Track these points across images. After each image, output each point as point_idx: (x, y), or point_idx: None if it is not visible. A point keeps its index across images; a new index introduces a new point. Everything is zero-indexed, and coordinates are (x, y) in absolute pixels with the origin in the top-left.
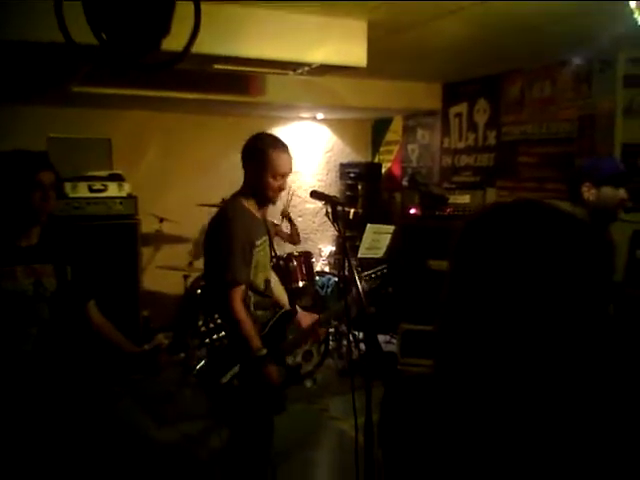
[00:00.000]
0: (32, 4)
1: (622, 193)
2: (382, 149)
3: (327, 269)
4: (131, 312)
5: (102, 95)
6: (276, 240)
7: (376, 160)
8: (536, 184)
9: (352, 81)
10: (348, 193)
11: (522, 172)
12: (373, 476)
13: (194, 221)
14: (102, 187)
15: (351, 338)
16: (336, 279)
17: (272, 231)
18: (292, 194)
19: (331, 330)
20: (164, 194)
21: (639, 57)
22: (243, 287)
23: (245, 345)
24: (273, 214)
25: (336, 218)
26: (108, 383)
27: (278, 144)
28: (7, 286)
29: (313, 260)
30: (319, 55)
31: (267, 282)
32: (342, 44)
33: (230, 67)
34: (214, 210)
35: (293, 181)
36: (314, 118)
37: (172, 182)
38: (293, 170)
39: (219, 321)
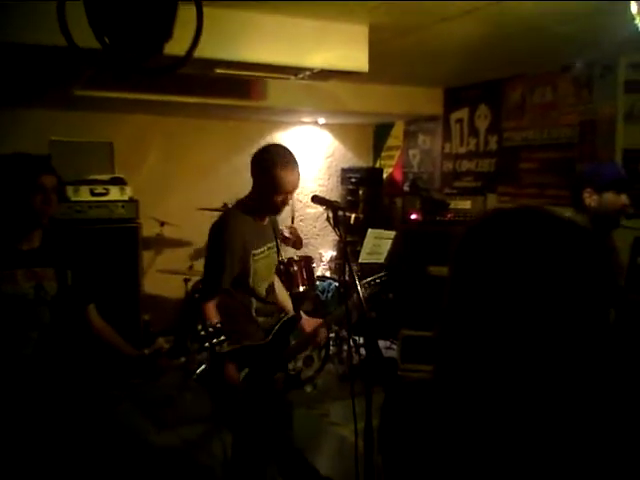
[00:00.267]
0: (35, 7)
1: (624, 199)
2: (383, 154)
3: (328, 274)
4: (132, 316)
5: (104, 99)
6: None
7: (377, 165)
8: (537, 190)
9: (353, 86)
10: (349, 198)
11: (523, 178)
12: None
13: (195, 225)
14: (104, 191)
15: (352, 343)
16: (337, 284)
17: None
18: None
19: (332, 335)
20: (165, 198)
21: None
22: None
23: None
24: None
25: (337, 223)
26: (108, 387)
27: (286, 162)
28: (7, 290)
29: (314, 265)
30: (320, 60)
31: (270, 288)
32: (343, 49)
33: (232, 71)
34: (215, 214)
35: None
36: (315, 123)
37: (173, 186)
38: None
39: (218, 325)
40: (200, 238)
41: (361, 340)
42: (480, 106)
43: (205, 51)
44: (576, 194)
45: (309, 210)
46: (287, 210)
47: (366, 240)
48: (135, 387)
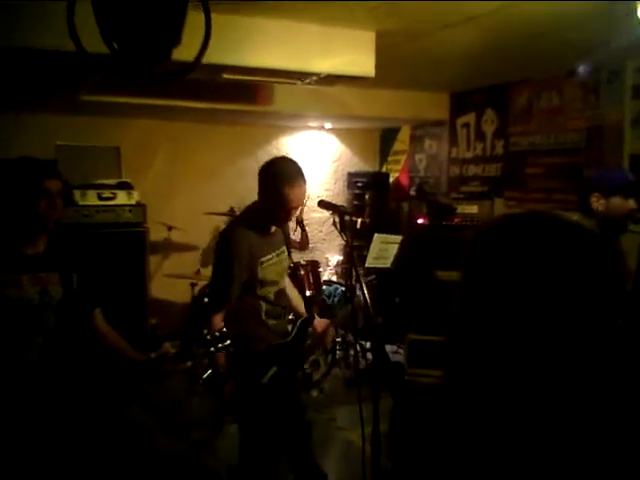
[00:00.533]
0: (42, 11)
1: (631, 203)
2: (390, 159)
3: (334, 278)
4: (139, 320)
5: (111, 104)
6: None
7: (384, 170)
8: (544, 195)
9: (360, 91)
10: (355, 202)
11: (530, 182)
12: None
13: (202, 229)
14: (111, 195)
15: (358, 348)
16: (343, 288)
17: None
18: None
19: (338, 340)
20: (172, 202)
21: None
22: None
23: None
24: None
25: (343, 227)
26: (116, 391)
27: (294, 178)
28: (12, 294)
29: (320, 269)
30: (327, 65)
31: (280, 292)
32: (350, 54)
33: (239, 77)
34: (221, 219)
35: None
36: (322, 127)
37: (180, 190)
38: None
39: (224, 329)
40: (207, 242)
41: (368, 345)
42: (487, 111)
43: (212, 56)
44: (584, 199)
45: (315, 215)
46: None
47: (373, 245)
48: (143, 391)
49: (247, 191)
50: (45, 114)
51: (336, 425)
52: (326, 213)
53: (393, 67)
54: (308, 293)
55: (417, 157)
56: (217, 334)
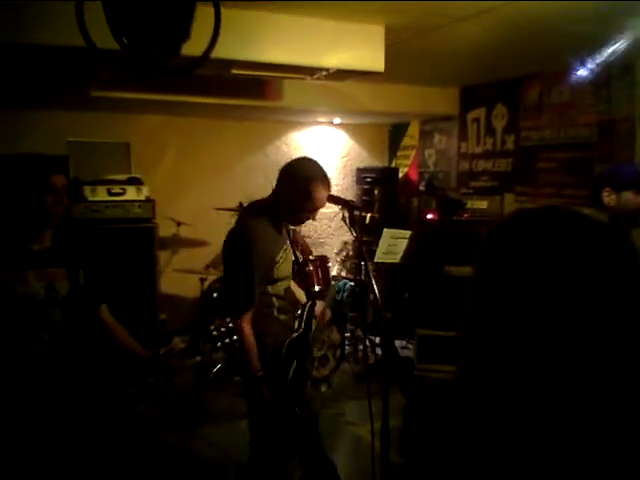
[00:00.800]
0: (53, 8)
1: None
2: (399, 154)
3: (343, 274)
4: (148, 315)
5: (121, 99)
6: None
7: (393, 165)
8: (555, 190)
9: (369, 86)
10: (365, 198)
11: (541, 177)
12: None
13: (210, 224)
14: (121, 191)
15: (367, 343)
16: (352, 283)
17: (296, 236)
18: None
19: (347, 335)
20: (181, 197)
21: None
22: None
23: (246, 365)
24: None
25: (353, 223)
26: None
27: (322, 179)
28: (19, 290)
29: (329, 264)
30: (336, 60)
31: (288, 288)
32: (359, 49)
33: (248, 72)
34: (230, 214)
35: None
36: (331, 123)
37: (189, 186)
38: None
39: (230, 325)
40: (216, 238)
41: (377, 340)
42: (497, 105)
43: (221, 51)
44: (595, 194)
45: (325, 210)
46: None
47: (382, 240)
48: (152, 386)
49: (256, 187)
50: (56, 110)
51: (345, 420)
52: (335, 208)
53: (402, 62)
54: (317, 288)
55: (426, 152)
56: (223, 329)
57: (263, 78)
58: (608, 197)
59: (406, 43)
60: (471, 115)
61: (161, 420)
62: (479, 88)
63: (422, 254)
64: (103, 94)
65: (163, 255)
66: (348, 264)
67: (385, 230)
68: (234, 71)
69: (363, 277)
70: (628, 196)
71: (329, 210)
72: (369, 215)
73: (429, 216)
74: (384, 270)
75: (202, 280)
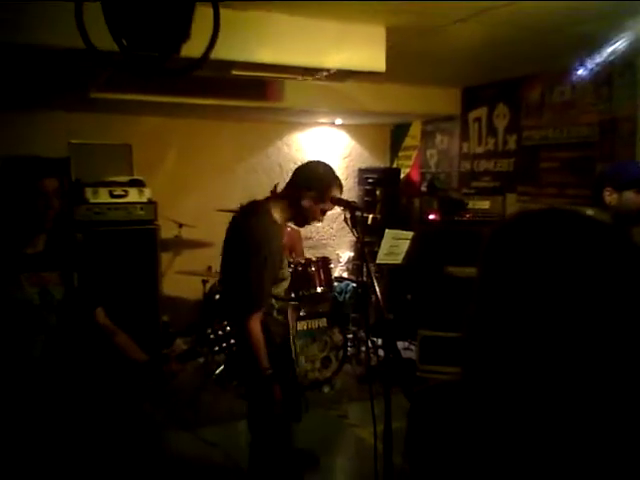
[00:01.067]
0: (53, 9)
1: None
2: (400, 154)
3: (345, 275)
4: (151, 317)
5: (121, 101)
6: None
7: (395, 165)
8: (557, 189)
9: (371, 86)
10: (366, 198)
11: (543, 177)
12: None
13: (212, 226)
14: (123, 193)
15: (370, 344)
16: (354, 285)
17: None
18: None
19: (350, 336)
20: (183, 199)
21: None
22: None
23: (255, 364)
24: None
25: (355, 224)
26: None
27: (338, 182)
28: (13, 294)
29: (331, 266)
30: (338, 60)
31: (286, 289)
32: (361, 49)
33: (248, 73)
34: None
35: None
36: (332, 123)
37: (191, 187)
38: None
39: (228, 328)
40: (218, 239)
41: (379, 341)
42: (498, 105)
43: (221, 52)
44: (597, 193)
45: None
46: None
47: (384, 241)
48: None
49: (257, 187)
50: (58, 112)
51: (347, 422)
52: (337, 209)
53: (404, 62)
54: (319, 290)
55: (428, 152)
56: (220, 333)
57: (264, 79)
58: (609, 196)
59: (407, 43)
60: (473, 115)
61: (162, 420)
62: (481, 88)
63: (424, 255)
64: (103, 96)
65: (165, 257)
66: (350, 265)
67: (387, 231)
68: (234, 72)
69: (365, 278)
70: (629, 195)
71: (331, 211)
72: (371, 216)
73: (431, 217)
74: (386, 271)
75: (204, 282)
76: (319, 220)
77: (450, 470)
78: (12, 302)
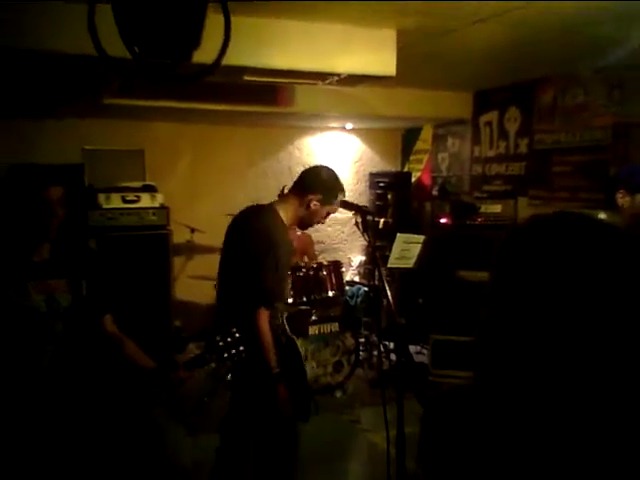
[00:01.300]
0: (65, 16)
1: None
2: (412, 158)
3: (357, 279)
4: (163, 322)
5: (134, 107)
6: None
7: (406, 169)
8: (569, 193)
9: (381, 90)
10: (378, 202)
11: (555, 181)
12: None
13: (224, 230)
14: (135, 198)
15: (382, 348)
16: (366, 289)
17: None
18: None
19: (361, 340)
20: (194, 204)
21: None
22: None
23: (264, 363)
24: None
25: (366, 228)
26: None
27: (342, 185)
28: (19, 302)
29: (343, 270)
30: (348, 65)
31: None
32: (371, 54)
33: (259, 78)
34: None
35: None
36: (343, 128)
37: (202, 192)
38: None
39: (237, 335)
40: None
41: (391, 345)
42: (510, 108)
43: (233, 58)
44: (610, 196)
45: (337, 215)
46: None
47: (395, 245)
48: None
49: (268, 192)
50: (71, 118)
51: (360, 427)
52: (348, 213)
53: (415, 66)
54: (331, 294)
55: (439, 156)
56: (229, 340)
57: (275, 84)
58: (622, 199)
59: (418, 47)
60: (484, 118)
61: (175, 426)
62: (492, 91)
63: (436, 259)
64: (116, 102)
65: (177, 261)
66: (361, 269)
67: (398, 235)
68: (246, 78)
69: (377, 282)
70: None
71: (342, 215)
72: (382, 220)
73: (442, 220)
74: (398, 275)
75: (217, 286)
76: (322, 222)
77: (463, 475)
78: (19, 310)
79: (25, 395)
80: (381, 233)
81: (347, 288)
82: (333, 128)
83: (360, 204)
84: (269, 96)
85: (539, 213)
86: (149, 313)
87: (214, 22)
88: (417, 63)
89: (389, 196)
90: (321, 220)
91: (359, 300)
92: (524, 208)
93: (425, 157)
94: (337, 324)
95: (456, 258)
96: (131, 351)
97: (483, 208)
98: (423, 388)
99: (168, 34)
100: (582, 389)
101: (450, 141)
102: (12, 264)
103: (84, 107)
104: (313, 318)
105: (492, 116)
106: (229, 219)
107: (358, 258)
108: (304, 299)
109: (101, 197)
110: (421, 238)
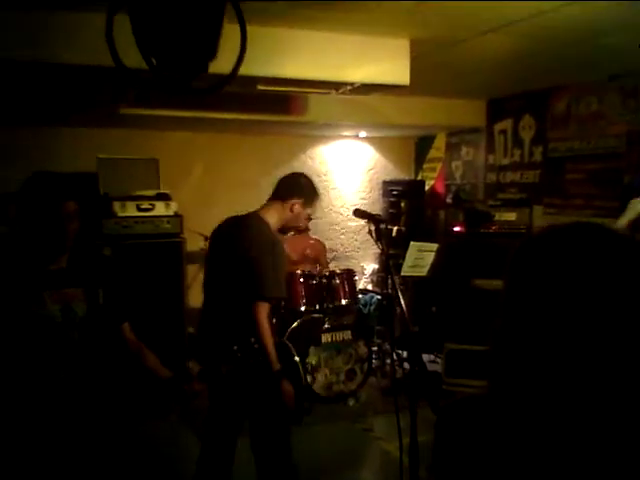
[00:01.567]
0: (83, 28)
1: None
2: (425, 166)
3: (370, 287)
4: (177, 329)
5: (149, 116)
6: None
7: (419, 177)
8: (583, 201)
9: (395, 99)
10: (391, 211)
11: (569, 189)
12: None
13: None
14: (150, 206)
15: (395, 357)
16: (379, 297)
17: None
18: None
19: (374, 349)
20: (208, 212)
21: None
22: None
23: (265, 360)
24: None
25: (379, 236)
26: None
27: (317, 189)
28: (36, 311)
29: (356, 278)
30: (362, 74)
31: None
32: (384, 63)
33: (273, 88)
34: None
35: (336, 198)
36: (356, 136)
37: (216, 201)
38: (335, 187)
39: (256, 346)
40: None
41: (404, 354)
42: (524, 116)
43: (247, 68)
44: (624, 204)
45: (351, 223)
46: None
47: (408, 253)
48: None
49: None
50: (87, 127)
51: (373, 435)
52: (361, 222)
53: (428, 75)
54: (344, 302)
55: (453, 164)
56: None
57: (289, 93)
58: None
59: (432, 56)
60: (498, 127)
61: (188, 433)
62: (506, 99)
63: (449, 267)
64: (132, 111)
65: (191, 269)
66: (375, 277)
67: (412, 243)
68: (260, 87)
69: (390, 290)
70: None
71: (355, 224)
72: (396, 228)
73: (456, 228)
74: (411, 283)
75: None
76: (304, 226)
77: None
78: (35, 319)
79: (42, 404)
80: (394, 241)
81: (360, 296)
82: (346, 137)
83: (373, 212)
84: (282, 105)
85: (555, 223)
86: (163, 320)
87: (228, 32)
88: (430, 72)
89: (402, 204)
90: (304, 223)
91: (372, 308)
92: (539, 216)
93: (438, 165)
94: (350, 332)
95: (470, 266)
96: (151, 363)
97: (497, 216)
98: (437, 397)
99: (185, 45)
100: (598, 399)
101: (464, 149)
102: (29, 273)
103: (100, 116)
104: (326, 326)
105: (507, 124)
106: None
107: (371, 266)
108: (317, 307)
109: (116, 205)
110: (434, 246)
